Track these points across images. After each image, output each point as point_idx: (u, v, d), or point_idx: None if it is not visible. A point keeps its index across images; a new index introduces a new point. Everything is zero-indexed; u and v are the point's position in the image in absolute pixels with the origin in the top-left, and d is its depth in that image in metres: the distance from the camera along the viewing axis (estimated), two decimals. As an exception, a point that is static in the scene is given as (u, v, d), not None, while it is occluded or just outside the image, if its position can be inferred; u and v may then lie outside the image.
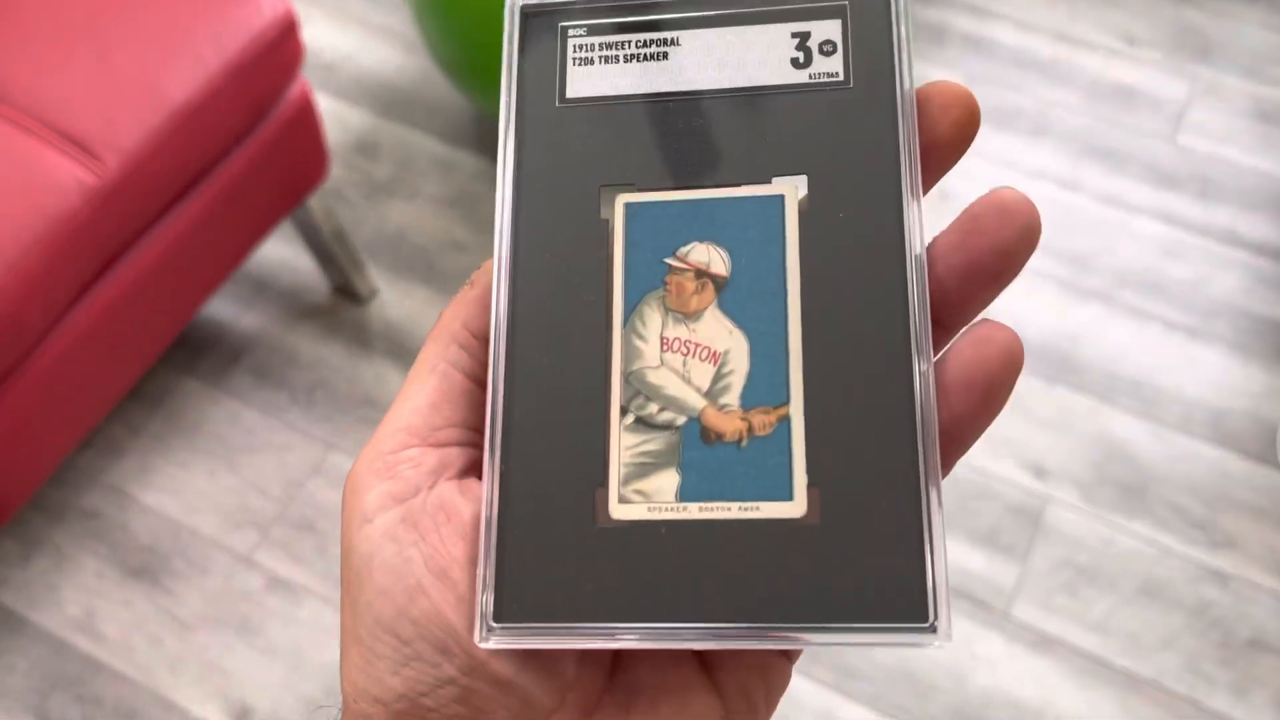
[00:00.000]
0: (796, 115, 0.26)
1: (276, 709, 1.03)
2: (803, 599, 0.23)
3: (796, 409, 0.24)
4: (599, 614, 0.23)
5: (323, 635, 1.07)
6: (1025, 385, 1.21)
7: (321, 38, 1.53)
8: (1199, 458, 1.17)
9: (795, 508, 0.23)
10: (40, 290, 0.87)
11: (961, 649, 1.05)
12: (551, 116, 0.27)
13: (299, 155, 1.09)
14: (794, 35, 0.27)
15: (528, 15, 0.28)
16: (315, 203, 1.17)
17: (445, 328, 0.27)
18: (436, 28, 1.23)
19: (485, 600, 0.24)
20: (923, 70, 1.50)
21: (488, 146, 1.43)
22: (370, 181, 1.40)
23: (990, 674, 1.04)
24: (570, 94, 0.27)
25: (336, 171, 1.39)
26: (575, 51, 0.28)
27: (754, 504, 0.24)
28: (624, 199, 0.26)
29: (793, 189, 0.26)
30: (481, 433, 0.26)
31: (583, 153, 0.27)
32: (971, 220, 0.25)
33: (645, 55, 0.28)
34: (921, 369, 0.24)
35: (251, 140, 1.02)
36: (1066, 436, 1.18)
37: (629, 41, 0.28)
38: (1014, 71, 1.50)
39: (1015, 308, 1.27)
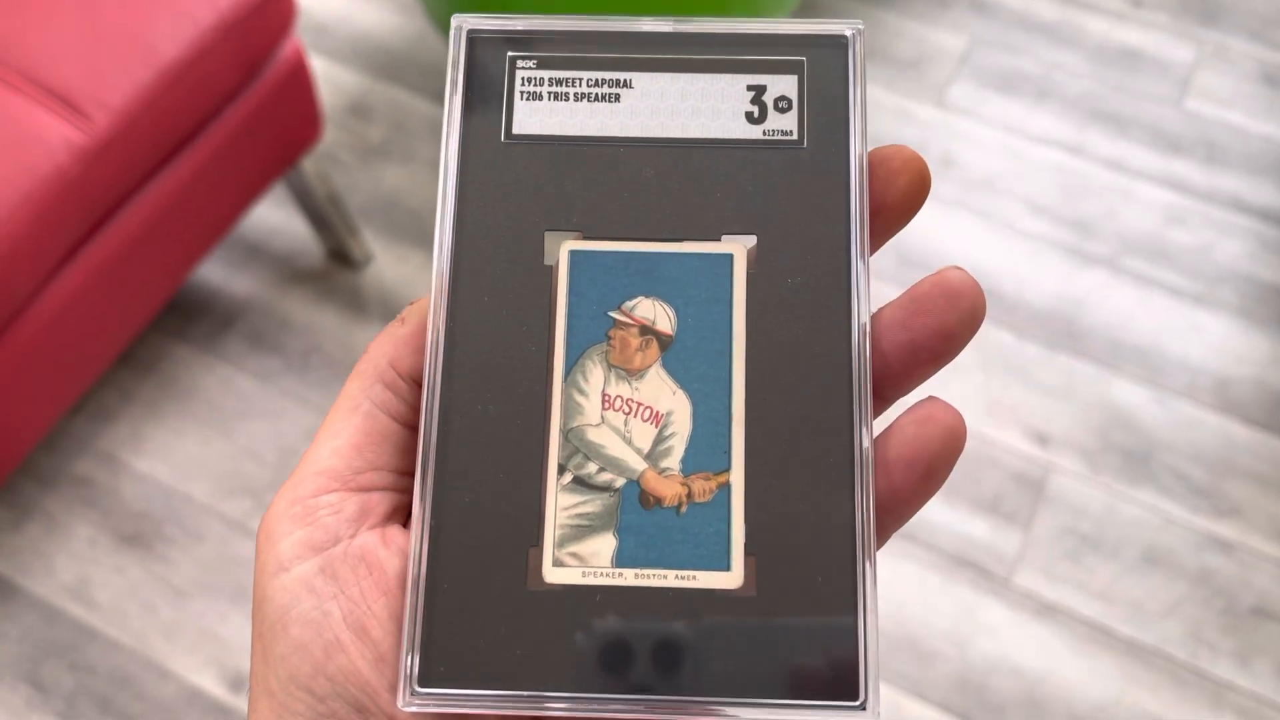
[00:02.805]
0: (748, 172, 0.26)
1: (273, 677, 1.02)
2: (735, 673, 0.22)
3: (737, 476, 0.24)
4: (528, 681, 0.23)
5: (319, 603, 1.06)
6: (1028, 352, 1.20)
7: (314, -2, 1.51)
8: (1203, 425, 1.16)
9: (732, 578, 0.23)
10: (27, 252, 0.85)
11: (964, 616, 1.04)
12: (496, 153, 0.26)
13: (291, 116, 1.07)
14: (750, 88, 0.26)
15: (474, 40, 0.27)
16: (309, 165, 1.15)
17: (372, 364, 0.26)
18: (432, -14, 1.21)
19: (410, 662, 0.23)
20: (927, 34, 1.48)
21: (484, 109, 1.41)
22: (364, 144, 1.38)
23: (992, 641, 1.03)
24: (517, 130, 0.26)
25: (330, 134, 1.37)
26: (523, 85, 0.27)
27: (691, 572, 0.23)
28: (569, 246, 0.25)
29: (742, 249, 0.25)
30: (406, 477, 0.25)
31: (528, 194, 0.26)
32: (916, 300, 0.25)
33: (596, 95, 0.26)
34: (863, 445, 0.24)
35: (243, 100, 1.00)
36: (1070, 403, 1.17)
37: (580, 79, 0.27)
38: (1018, 34, 1.48)
39: (1019, 273, 1.26)
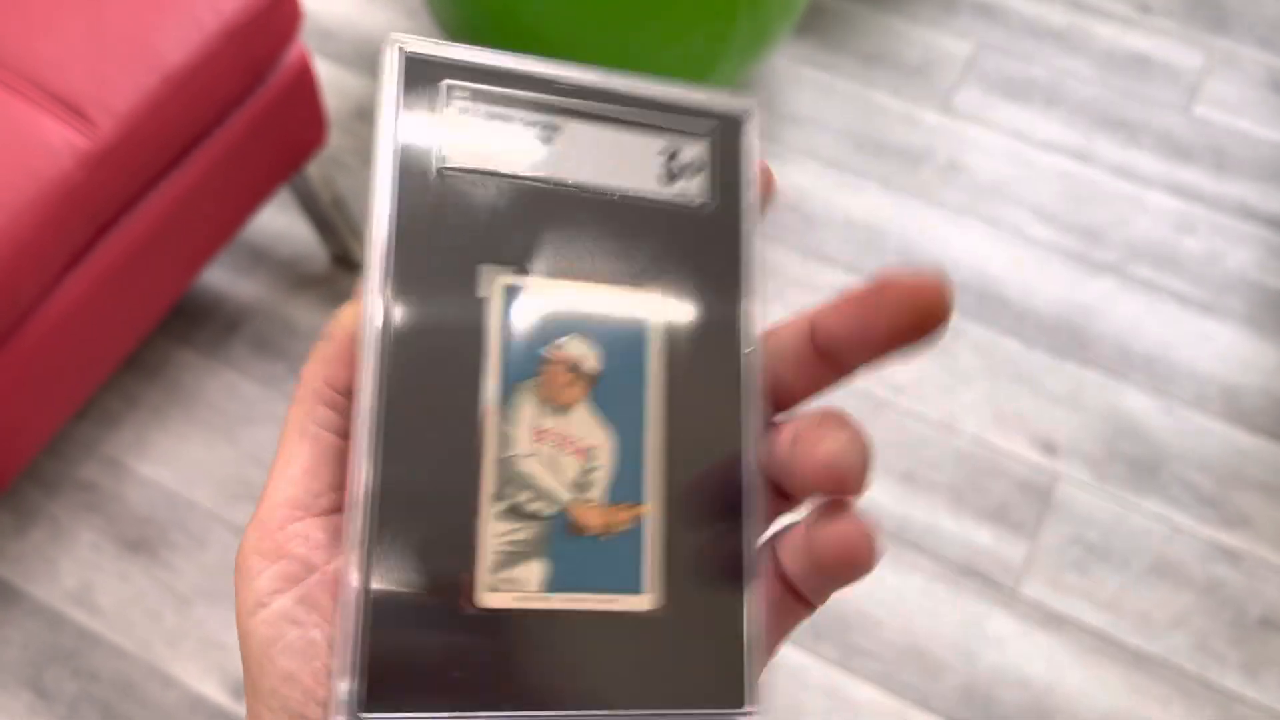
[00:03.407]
0: (663, 227, 0.28)
1: (276, 684, 1.02)
2: (639, 685, 0.25)
3: (653, 508, 0.26)
4: (466, 702, 0.24)
5: (322, 609, 1.06)
6: (1036, 360, 1.19)
7: (320, 2, 1.50)
8: (1211, 434, 1.15)
9: (643, 601, 0.25)
10: (32, 257, 0.85)
11: (970, 627, 1.04)
12: (430, 182, 0.27)
13: (297, 121, 1.07)
14: (663, 151, 0.28)
15: (412, 61, 0.27)
16: (314, 170, 1.15)
17: (308, 387, 0.26)
18: (438, -9, 1.21)
19: (349, 687, 0.24)
20: (934, 39, 1.47)
21: (490, 114, 1.41)
22: (369, 149, 1.37)
23: (999, 652, 1.03)
24: (451, 161, 0.27)
25: (335, 138, 1.37)
26: (458, 114, 0.27)
27: (611, 596, 0.25)
28: (504, 281, 0.26)
29: (659, 297, 0.27)
30: None
31: (460, 226, 0.26)
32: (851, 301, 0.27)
33: (529, 135, 0.28)
34: (750, 473, 0.26)
35: (248, 105, 1.00)
36: (1077, 412, 1.16)
37: (513, 116, 0.27)
38: (1027, 40, 1.47)
39: (1026, 280, 1.25)
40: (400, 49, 0.27)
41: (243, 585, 0.24)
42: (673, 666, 0.25)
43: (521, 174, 0.27)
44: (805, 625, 1.04)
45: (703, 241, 0.28)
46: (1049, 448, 1.14)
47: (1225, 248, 1.28)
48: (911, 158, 1.36)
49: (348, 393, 0.26)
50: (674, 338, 0.27)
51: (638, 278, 0.27)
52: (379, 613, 0.24)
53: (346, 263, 1.27)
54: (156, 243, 0.98)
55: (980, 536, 1.08)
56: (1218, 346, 1.21)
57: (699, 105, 0.29)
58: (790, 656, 1.02)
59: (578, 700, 0.25)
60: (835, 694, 1.01)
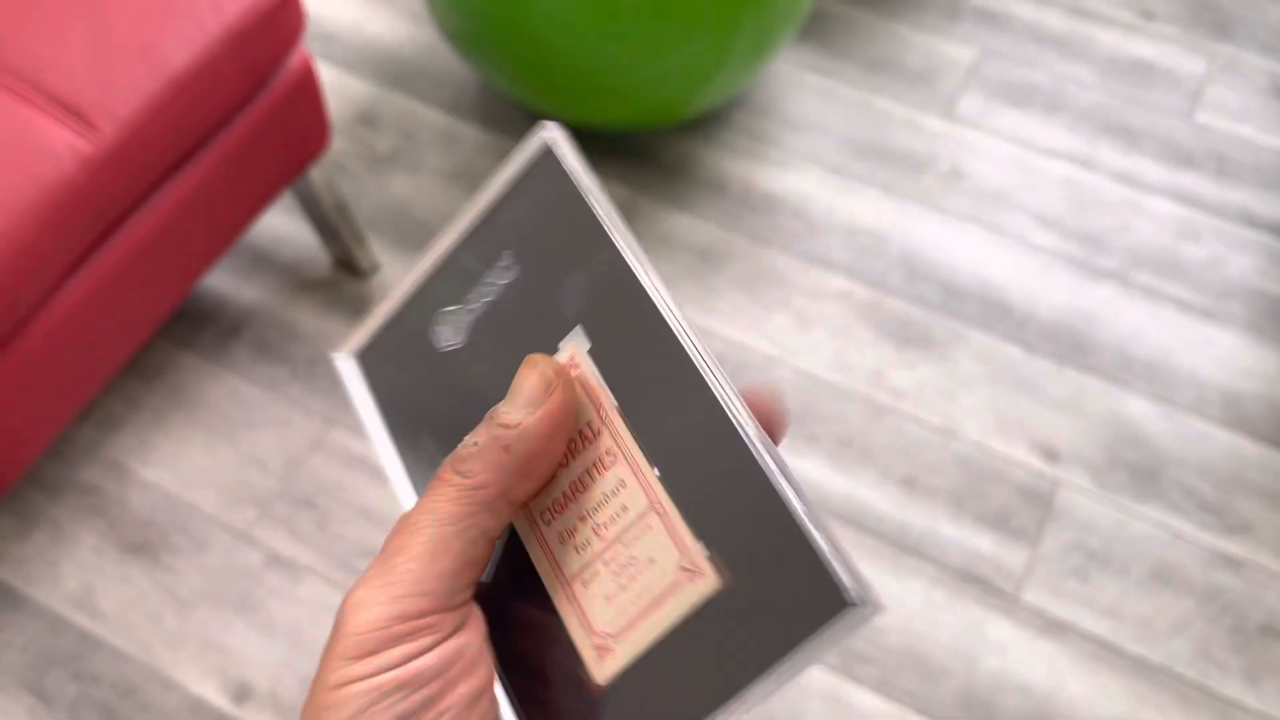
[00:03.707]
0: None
1: (275, 687, 1.02)
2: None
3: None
4: None
5: (322, 613, 1.06)
6: (1037, 365, 1.19)
7: (324, 6, 1.51)
8: (1212, 441, 1.15)
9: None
10: (34, 260, 0.85)
11: (971, 633, 1.04)
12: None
13: (300, 125, 1.07)
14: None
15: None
16: (316, 174, 1.15)
17: (479, 491, 0.26)
18: (441, -4, 1.21)
19: None
20: (937, 45, 1.47)
21: (492, 119, 1.41)
22: (372, 153, 1.38)
23: (1000, 658, 1.03)
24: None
25: (338, 143, 1.37)
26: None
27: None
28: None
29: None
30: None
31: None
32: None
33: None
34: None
35: (251, 109, 1.00)
36: (1078, 418, 1.16)
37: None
38: (1028, 46, 1.48)
39: (1028, 286, 1.25)
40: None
41: (352, 633, 0.25)
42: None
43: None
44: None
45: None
46: (1050, 454, 1.14)
47: (1227, 254, 1.28)
48: (914, 164, 1.36)
49: (519, 504, 0.27)
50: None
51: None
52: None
53: (348, 267, 1.27)
54: (158, 246, 0.98)
55: (981, 542, 1.08)
56: (1219, 353, 1.21)
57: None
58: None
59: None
60: (835, 700, 1.01)
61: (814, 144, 1.38)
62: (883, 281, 1.26)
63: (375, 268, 1.27)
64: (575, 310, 0.29)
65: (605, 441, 0.27)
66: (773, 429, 0.28)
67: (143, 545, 1.10)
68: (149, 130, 0.90)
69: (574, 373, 0.28)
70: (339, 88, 1.42)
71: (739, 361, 1.20)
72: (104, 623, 1.05)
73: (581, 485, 0.28)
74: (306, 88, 1.05)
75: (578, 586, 0.27)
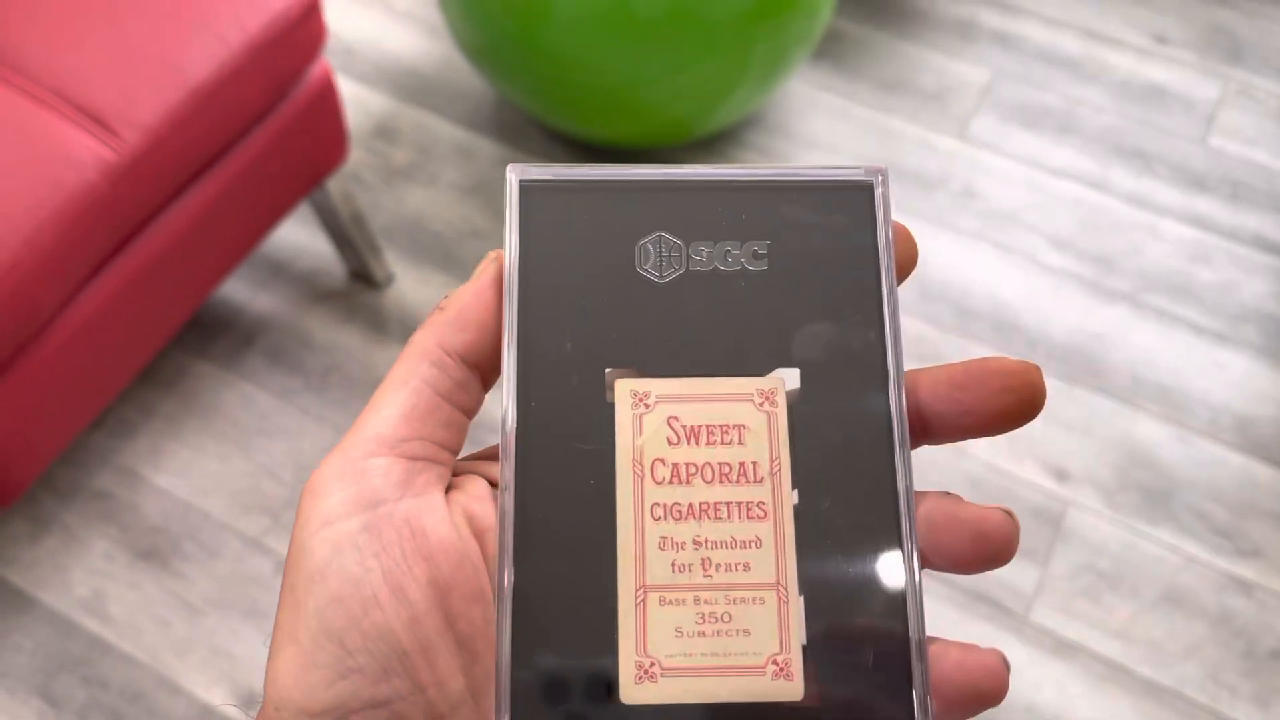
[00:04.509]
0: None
1: (284, 696, 1.02)
2: None
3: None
4: None
5: (332, 622, 1.06)
6: (1049, 386, 1.19)
7: (344, 20, 1.52)
8: (1224, 464, 1.15)
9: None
10: (55, 267, 0.86)
11: (979, 652, 1.03)
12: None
13: (318, 137, 1.08)
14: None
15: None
16: (334, 186, 1.16)
17: (417, 347, 0.27)
18: (460, 13, 1.22)
19: None
20: (950, 66, 1.48)
21: (508, 134, 1.42)
22: (389, 166, 1.39)
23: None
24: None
25: (356, 155, 1.38)
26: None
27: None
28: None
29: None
30: (447, 451, 0.27)
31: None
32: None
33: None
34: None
35: (271, 120, 1.01)
36: (1089, 439, 1.16)
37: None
38: (1041, 68, 1.48)
39: (1040, 307, 1.25)
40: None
41: (311, 504, 0.25)
42: None
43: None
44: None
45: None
46: (1061, 475, 1.13)
47: (1240, 278, 1.28)
48: (927, 183, 1.37)
49: (457, 356, 0.27)
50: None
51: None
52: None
53: (364, 278, 1.28)
54: (176, 255, 0.99)
55: (991, 562, 1.08)
56: (1232, 376, 1.21)
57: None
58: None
59: None
60: (843, 718, 1.00)
61: (827, 163, 1.38)
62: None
63: (390, 279, 1.28)
64: (803, 353, 0.27)
65: (764, 494, 0.26)
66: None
67: (154, 551, 1.10)
68: (171, 140, 0.91)
69: (768, 406, 0.26)
70: (357, 101, 1.44)
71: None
72: (114, 628, 1.06)
73: (714, 512, 0.26)
74: (326, 100, 1.06)
75: (653, 599, 0.26)
